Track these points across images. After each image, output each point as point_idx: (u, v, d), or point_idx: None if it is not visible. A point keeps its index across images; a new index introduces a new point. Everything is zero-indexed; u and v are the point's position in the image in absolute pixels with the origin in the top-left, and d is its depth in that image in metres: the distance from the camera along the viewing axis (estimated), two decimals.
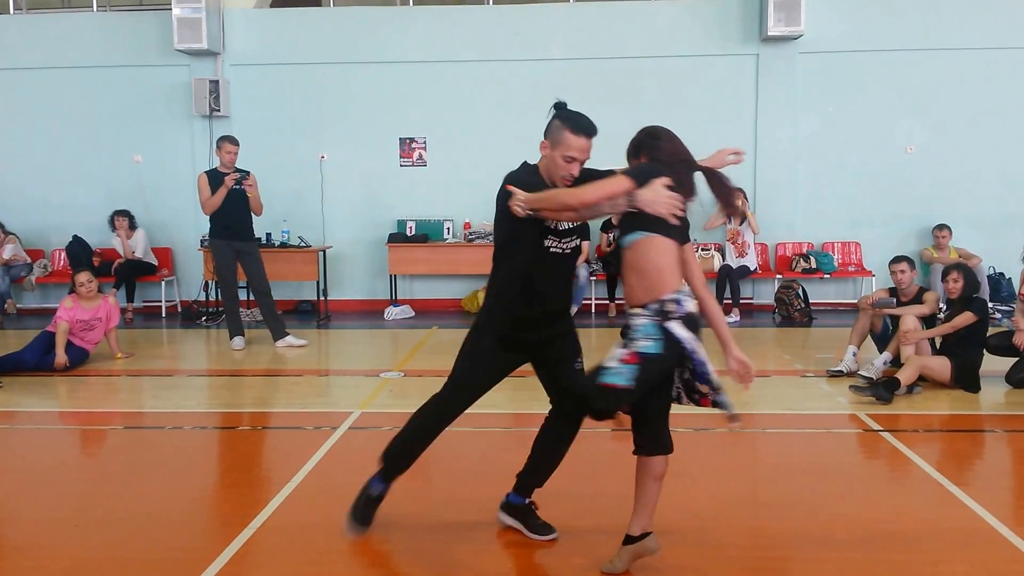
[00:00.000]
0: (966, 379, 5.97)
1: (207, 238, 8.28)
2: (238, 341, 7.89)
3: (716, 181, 3.18)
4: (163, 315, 10.09)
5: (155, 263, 10.12)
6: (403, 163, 10.30)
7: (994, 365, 6.19)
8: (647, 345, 2.91)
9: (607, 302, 9.73)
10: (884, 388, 5.65)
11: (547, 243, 3.21)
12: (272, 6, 10.69)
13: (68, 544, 3.58)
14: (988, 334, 6.19)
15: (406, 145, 10.29)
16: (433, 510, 3.89)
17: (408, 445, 3.48)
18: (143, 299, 10.25)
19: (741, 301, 9.40)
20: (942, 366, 5.98)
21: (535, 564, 3.38)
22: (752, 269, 9.53)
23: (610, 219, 9.71)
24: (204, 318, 9.51)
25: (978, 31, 9.65)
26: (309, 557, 3.42)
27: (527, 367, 3.46)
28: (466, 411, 3.43)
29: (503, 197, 3.15)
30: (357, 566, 3.35)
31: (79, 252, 10.01)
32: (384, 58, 10.11)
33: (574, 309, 9.62)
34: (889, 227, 9.93)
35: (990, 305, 7.93)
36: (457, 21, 10.09)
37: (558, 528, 3.56)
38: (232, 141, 7.74)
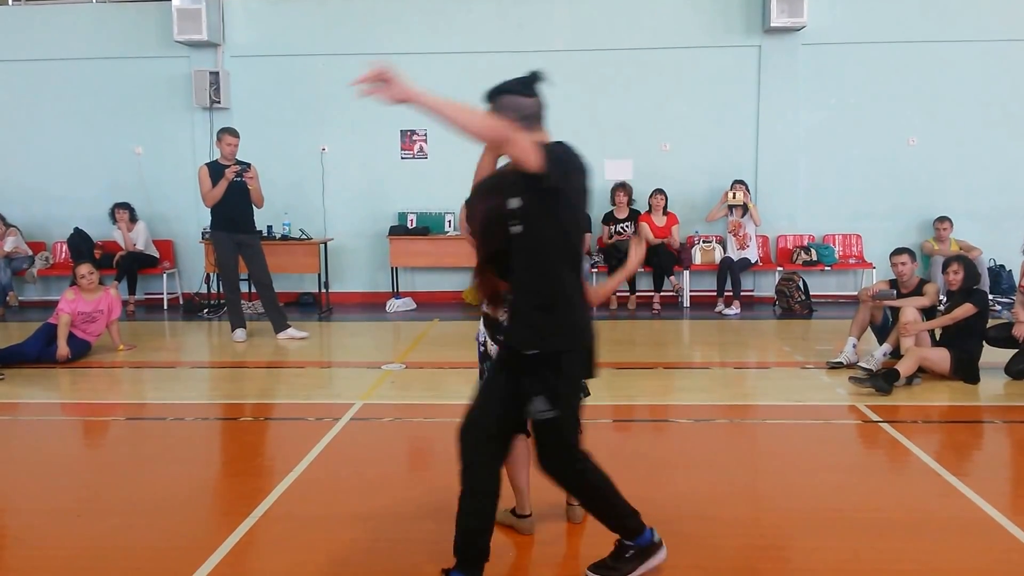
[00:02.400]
0: (965, 370, 5.98)
1: (208, 230, 8.28)
2: (240, 333, 7.91)
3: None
4: (165, 307, 10.10)
5: (156, 255, 10.13)
6: (404, 155, 10.30)
7: (993, 356, 6.20)
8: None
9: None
10: (883, 379, 5.66)
11: None
12: None
13: (70, 534, 3.61)
14: (988, 326, 6.20)
15: (407, 137, 10.28)
16: (435, 499, 3.91)
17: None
18: (145, 291, 10.26)
19: (742, 293, 9.40)
20: (941, 357, 5.99)
21: (537, 555, 3.40)
22: (753, 261, 9.53)
23: (612, 211, 9.73)
24: (206, 310, 9.52)
25: (980, 23, 9.62)
26: (311, 547, 3.44)
27: None
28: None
29: None
30: (359, 555, 3.37)
31: (80, 244, 10.02)
32: (386, 49, 10.07)
33: None
34: (890, 219, 9.92)
35: (990, 297, 7.95)
36: (459, 12, 10.07)
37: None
38: (232, 133, 7.74)
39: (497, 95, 2.83)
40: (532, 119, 2.81)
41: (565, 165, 2.72)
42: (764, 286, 10.06)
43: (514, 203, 2.79)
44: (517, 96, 2.82)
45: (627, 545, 3.09)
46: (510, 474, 3.43)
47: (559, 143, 2.77)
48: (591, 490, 3.02)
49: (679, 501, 3.85)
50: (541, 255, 2.80)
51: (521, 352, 2.84)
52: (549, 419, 2.82)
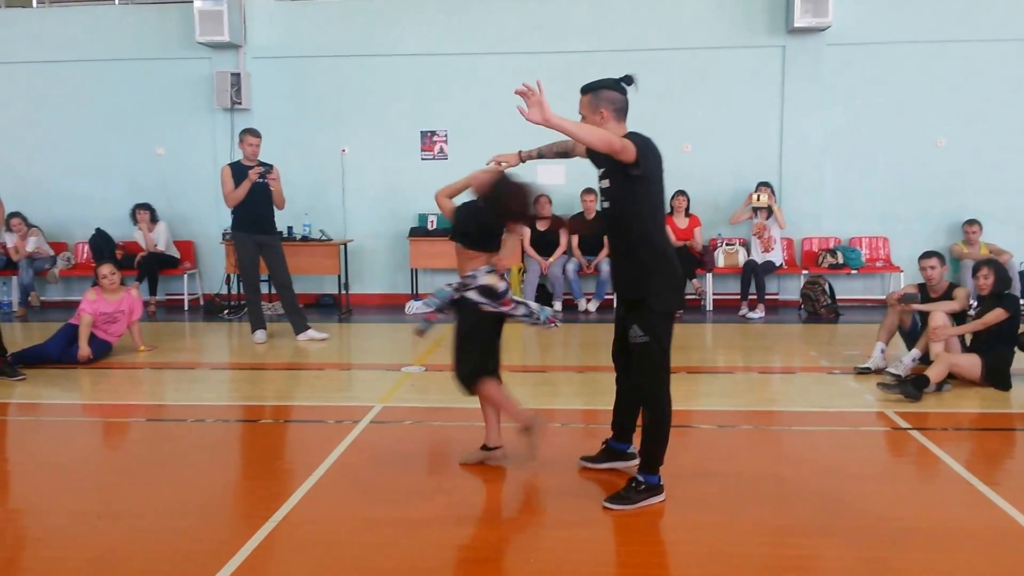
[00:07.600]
0: (996, 377, 5.86)
1: (229, 231, 8.30)
2: (260, 334, 7.91)
3: None
4: (185, 308, 10.15)
5: (177, 256, 10.18)
6: (424, 156, 10.28)
7: None
8: (429, 300, 4.25)
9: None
10: (913, 386, 5.55)
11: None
12: None
13: (91, 535, 3.59)
14: (1019, 331, 6.07)
15: (427, 138, 10.26)
16: (455, 502, 3.87)
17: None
18: (166, 292, 10.32)
19: (767, 297, 9.29)
20: (972, 364, 5.87)
21: (546, 554, 3.34)
22: (778, 264, 9.42)
23: None
24: (226, 311, 9.54)
25: (1009, 21, 9.45)
26: (331, 551, 3.40)
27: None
28: None
29: None
30: (379, 559, 3.33)
31: (102, 245, 10.09)
32: (406, 51, 10.09)
33: (593, 304, 9.60)
34: (918, 222, 9.77)
35: (1022, 302, 7.79)
36: (479, 13, 10.04)
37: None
38: (254, 134, 7.75)
39: (596, 89, 3.72)
40: (622, 112, 3.71)
41: (650, 160, 3.55)
42: (789, 290, 9.95)
43: (604, 184, 3.68)
44: (613, 91, 3.71)
45: (639, 480, 3.77)
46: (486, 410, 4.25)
47: (642, 136, 3.55)
48: (661, 414, 3.72)
49: (702, 507, 3.79)
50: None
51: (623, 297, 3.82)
52: (643, 343, 3.65)
